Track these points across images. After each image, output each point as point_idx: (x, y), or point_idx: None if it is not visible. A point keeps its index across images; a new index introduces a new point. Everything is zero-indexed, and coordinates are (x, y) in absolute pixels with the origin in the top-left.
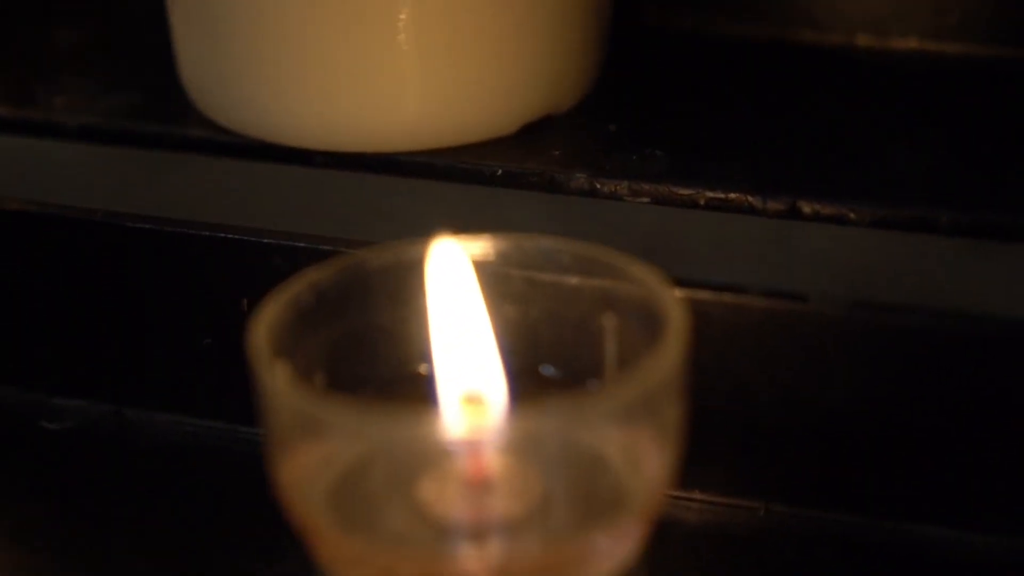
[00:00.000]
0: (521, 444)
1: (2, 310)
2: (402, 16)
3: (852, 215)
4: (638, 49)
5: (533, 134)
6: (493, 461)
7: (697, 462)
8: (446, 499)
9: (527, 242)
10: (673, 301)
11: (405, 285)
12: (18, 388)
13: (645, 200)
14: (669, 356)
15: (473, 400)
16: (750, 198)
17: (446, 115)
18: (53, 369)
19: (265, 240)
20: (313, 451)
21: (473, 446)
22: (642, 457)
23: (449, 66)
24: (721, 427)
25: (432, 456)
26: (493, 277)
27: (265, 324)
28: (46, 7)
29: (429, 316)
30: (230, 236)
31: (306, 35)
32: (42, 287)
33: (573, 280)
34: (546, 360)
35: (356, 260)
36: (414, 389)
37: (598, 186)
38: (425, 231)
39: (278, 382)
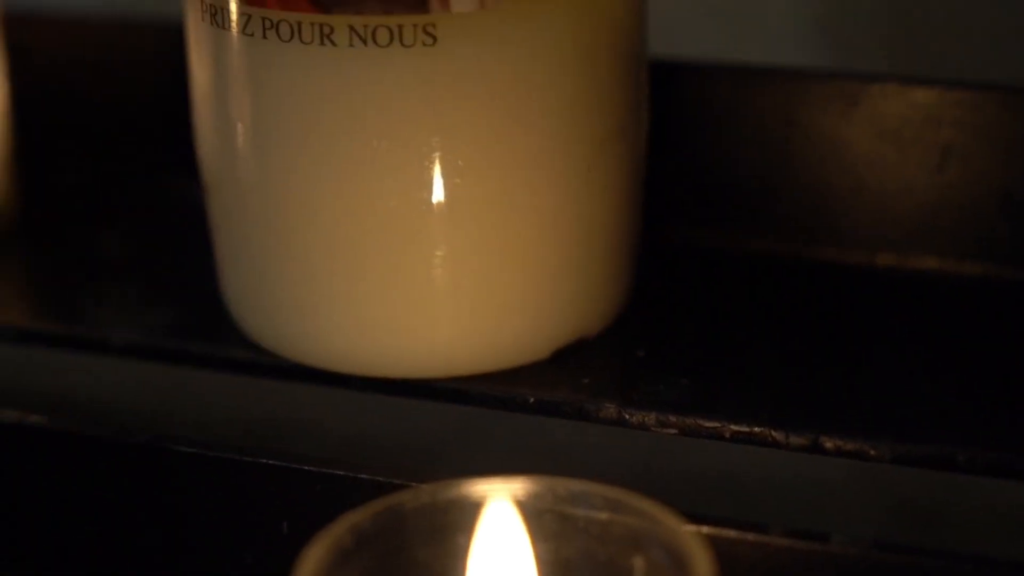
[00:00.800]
0: None
1: (43, 528)
2: (438, 253)
3: (872, 451)
4: (665, 266)
5: (565, 358)
6: None
7: None
8: None
9: (558, 484)
10: (700, 550)
11: (442, 524)
12: None
13: (672, 431)
14: None
15: None
16: (774, 433)
17: (480, 343)
18: None
19: (306, 467)
20: None
21: None
22: None
23: (482, 298)
24: None
25: None
26: (526, 516)
27: (306, 573)
28: (92, 214)
29: (471, 561)
30: (271, 462)
31: (345, 267)
32: (85, 503)
33: (602, 519)
34: None
35: (394, 502)
36: None
37: (627, 416)
38: (459, 458)
39: None
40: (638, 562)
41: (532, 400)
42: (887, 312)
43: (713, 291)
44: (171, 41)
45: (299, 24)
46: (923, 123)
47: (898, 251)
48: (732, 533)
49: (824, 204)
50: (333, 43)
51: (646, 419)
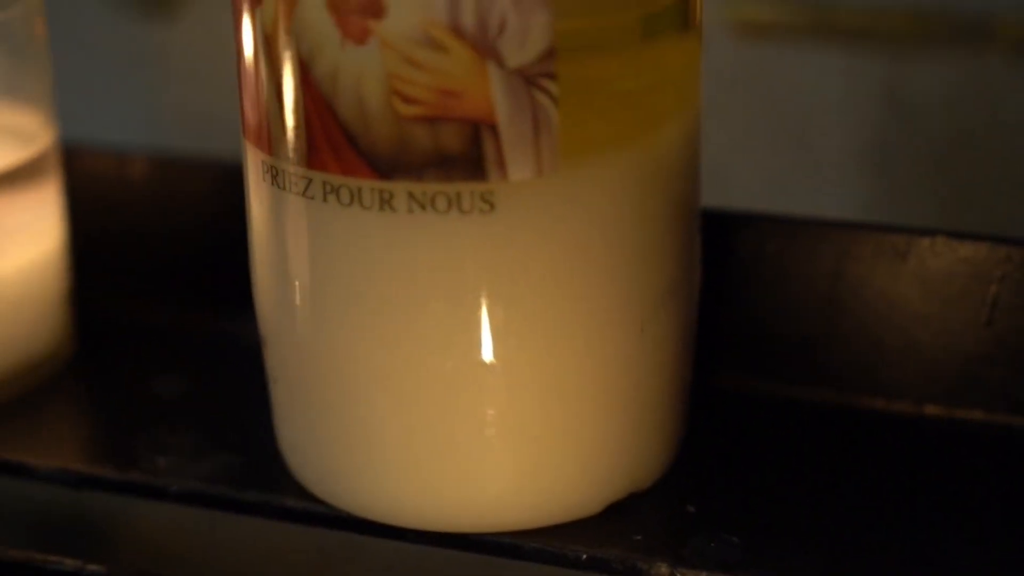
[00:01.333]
0: None
1: None
2: (490, 412)
3: None
4: (716, 415)
5: (617, 513)
6: None
7: None
8: None
9: None
10: None
11: None
12: None
13: None
14: None
15: None
16: None
17: (532, 498)
18: None
19: None
20: None
21: None
22: None
23: (535, 454)
24: None
25: None
26: None
27: None
28: (148, 355)
29: None
30: None
31: (399, 423)
32: None
33: None
34: None
35: None
36: None
37: (678, 575)
38: None
39: None
40: None
41: (585, 557)
42: (936, 465)
43: (762, 441)
44: (232, 182)
45: (359, 189)
46: (971, 277)
47: (946, 403)
48: None
49: (873, 355)
50: (392, 208)
51: None
